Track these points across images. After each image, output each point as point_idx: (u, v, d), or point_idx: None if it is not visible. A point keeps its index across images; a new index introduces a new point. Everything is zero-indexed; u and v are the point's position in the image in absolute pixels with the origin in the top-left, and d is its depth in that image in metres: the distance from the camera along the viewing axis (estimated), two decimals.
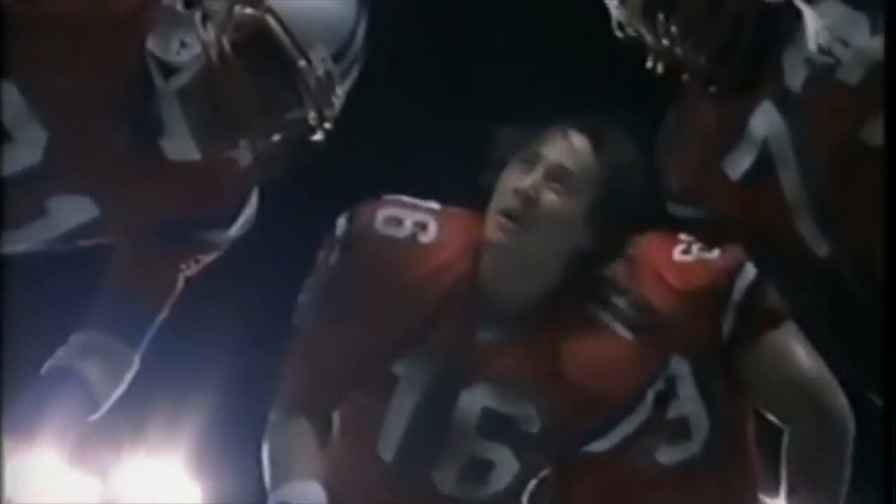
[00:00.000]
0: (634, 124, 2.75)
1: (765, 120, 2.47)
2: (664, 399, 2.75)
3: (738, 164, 2.53)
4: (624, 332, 2.69)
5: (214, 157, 2.23)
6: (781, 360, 2.75)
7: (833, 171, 2.42)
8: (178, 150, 2.20)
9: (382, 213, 2.70)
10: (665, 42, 2.44)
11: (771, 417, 2.80)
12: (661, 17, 2.43)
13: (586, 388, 2.65)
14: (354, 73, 2.25)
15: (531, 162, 2.65)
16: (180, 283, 2.43)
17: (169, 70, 2.14)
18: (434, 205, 2.75)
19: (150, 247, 2.36)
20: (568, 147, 2.66)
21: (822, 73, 2.38)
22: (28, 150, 2.17)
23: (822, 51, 2.37)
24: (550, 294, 2.69)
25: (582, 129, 2.68)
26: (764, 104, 2.48)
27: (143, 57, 2.15)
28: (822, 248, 2.48)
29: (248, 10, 2.11)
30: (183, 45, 2.12)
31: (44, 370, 2.35)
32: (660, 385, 2.70)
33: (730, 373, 2.80)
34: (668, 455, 2.78)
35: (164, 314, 2.44)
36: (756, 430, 2.86)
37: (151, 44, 2.15)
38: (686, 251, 2.84)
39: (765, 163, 2.49)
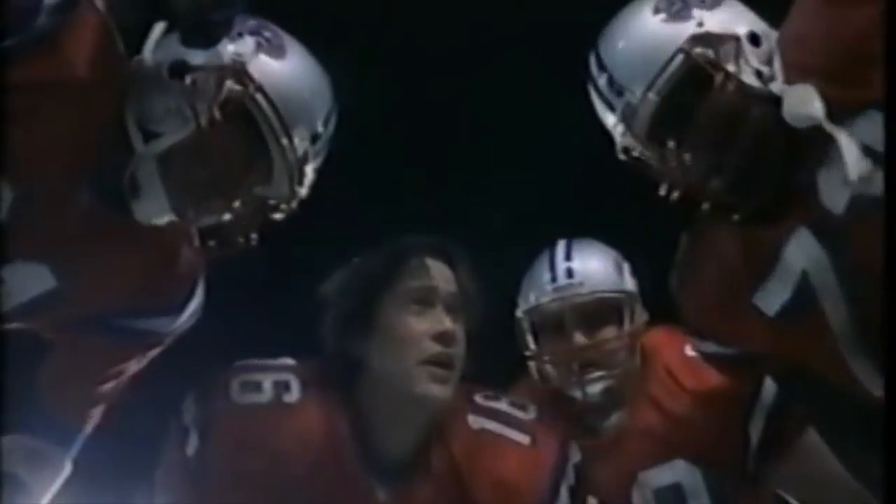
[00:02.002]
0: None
1: (802, 249, 2.28)
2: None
3: (774, 299, 2.32)
4: (518, 436, 2.54)
5: (181, 224, 2.27)
6: (823, 458, 2.53)
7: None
8: (150, 211, 2.21)
9: (237, 381, 2.49)
10: (676, 168, 2.27)
11: None
12: (670, 143, 2.26)
13: None
14: (320, 160, 2.32)
15: (426, 300, 2.52)
16: (120, 385, 2.39)
17: (150, 135, 2.19)
18: (289, 360, 2.56)
19: (90, 346, 2.33)
20: (441, 273, 2.55)
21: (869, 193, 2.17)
22: None
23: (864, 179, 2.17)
24: (436, 426, 2.52)
25: (434, 255, 2.56)
26: (799, 232, 2.28)
27: (118, 121, 2.21)
28: (878, 389, 2.23)
29: (238, 87, 2.20)
30: (167, 112, 2.18)
31: None
32: (570, 480, 2.54)
33: (755, 479, 2.71)
34: None
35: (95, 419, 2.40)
36: None
37: (133, 109, 2.21)
38: None
39: (805, 296, 2.28)
